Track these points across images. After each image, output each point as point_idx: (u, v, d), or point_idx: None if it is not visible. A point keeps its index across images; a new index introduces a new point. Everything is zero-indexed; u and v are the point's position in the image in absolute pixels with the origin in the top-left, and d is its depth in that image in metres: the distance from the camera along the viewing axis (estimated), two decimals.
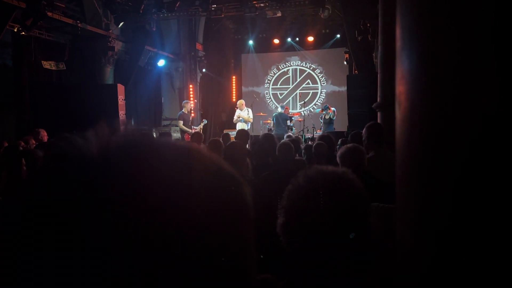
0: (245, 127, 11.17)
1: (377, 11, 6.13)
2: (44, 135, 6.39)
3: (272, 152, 4.49)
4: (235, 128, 11.23)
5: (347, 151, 3.23)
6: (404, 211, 0.68)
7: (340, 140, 6.20)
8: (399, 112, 0.66)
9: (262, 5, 10.36)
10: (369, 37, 8.99)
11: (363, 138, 3.91)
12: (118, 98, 9.22)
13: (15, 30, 7.70)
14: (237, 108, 11.55)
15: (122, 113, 9.51)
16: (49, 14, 8.05)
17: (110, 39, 10.19)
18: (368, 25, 8.78)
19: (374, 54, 9.18)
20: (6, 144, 5.68)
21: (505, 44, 0.52)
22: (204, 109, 15.37)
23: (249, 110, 11.55)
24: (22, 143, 5.93)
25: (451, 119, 0.56)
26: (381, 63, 5.80)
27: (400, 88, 0.64)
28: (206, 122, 11.93)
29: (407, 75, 0.61)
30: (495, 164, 0.53)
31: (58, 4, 8.38)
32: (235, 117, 11.45)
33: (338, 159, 3.31)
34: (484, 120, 0.54)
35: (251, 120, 11.52)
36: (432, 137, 0.60)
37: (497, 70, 0.53)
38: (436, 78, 0.57)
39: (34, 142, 6.54)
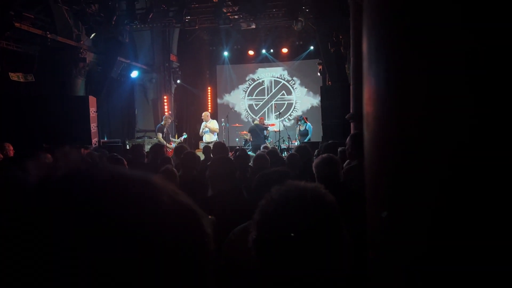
0: (213, 137, 11.18)
1: (349, 24, 6.25)
2: (9, 149, 6.14)
3: (248, 165, 4.47)
4: (202, 140, 11.26)
5: (321, 162, 3.26)
6: (373, 235, 0.67)
7: (316, 151, 6.25)
8: (367, 133, 0.65)
9: (236, 17, 10.42)
10: (341, 49, 9.15)
11: (347, 147, 3.95)
12: (90, 110, 9.02)
13: None
14: (202, 120, 11.55)
15: (93, 126, 9.31)
16: (17, 25, 7.83)
17: (81, 50, 9.99)
18: (341, 37, 8.94)
19: (346, 66, 9.34)
20: None
21: (478, 65, 0.51)
22: (179, 121, 15.24)
23: (214, 121, 11.57)
24: None
25: (419, 143, 0.55)
26: (353, 75, 5.91)
27: (368, 109, 0.63)
28: (186, 136, 11.84)
29: (374, 96, 0.60)
30: (465, 192, 0.52)
31: (26, 14, 8.18)
32: (201, 130, 11.44)
33: (313, 169, 3.34)
34: (452, 146, 0.53)
35: (217, 130, 11.52)
36: (399, 160, 0.59)
37: (468, 93, 0.52)
38: (404, 100, 0.56)
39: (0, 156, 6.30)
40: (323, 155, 3.37)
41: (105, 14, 8.65)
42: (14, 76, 8.34)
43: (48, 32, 9.13)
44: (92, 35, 9.40)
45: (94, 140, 9.31)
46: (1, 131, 8.39)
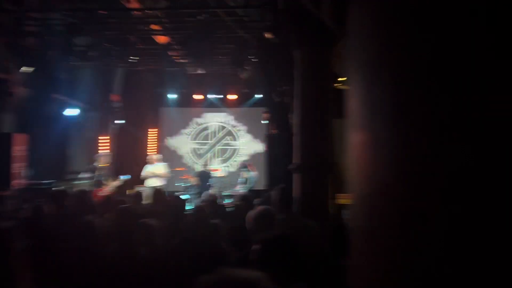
0: (157, 182, 10.71)
1: (293, 75, 6.33)
2: None
3: (182, 216, 4.15)
4: (143, 184, 10.73)
5: (257, 217, 3.07)
6: None
7: (256, 200, 6.05)
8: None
9: (182, 61, 10.33)
10: (285, 98, 9.31)
11: (273, 200, 3.84)
12: (15, 149, 8.26)
13: None
14: (147, 162, 11.14)
15: (18, 166, 8.50)
16: None
17: (11, 84, 9.27)
18: (285, 87, 9.11)
19: (289, 115, 9.46)
20: None
21: None
22: (119, 162, 14.47)
23: (162, 164, 11.14)
24: None
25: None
26: (296, 125, 5.90)
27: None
28: (127, 177, 11.12)
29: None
30: None
31: None
32: (144, 172, 10.98)
33: (247, 224, 3.15)
34: None
35: (169, 175, 11.08)
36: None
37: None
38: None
39: None
40: (258, 209, 3.19)
41: (41, 47, 8.16)
42: None
43: None
44: (25, 69, 8.79)
45: (17, 182, 8.45)
46: None
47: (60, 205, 4.50)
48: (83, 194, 5.19)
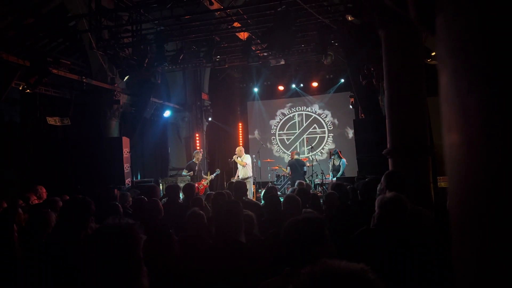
0: (245, 172, 11.16)
1: (380, 56, 6.05)
2: (42, 192, 6.20)
3: (279, 206, 4.23)
4: (238, 176, 11.24)
5: (388, 204, 2.86)
6: None
7: (349, 187, 5.92)
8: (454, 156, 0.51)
9: (265, 54, 10.46)
10: (373, 81, 8.92)
11: (381, 187, 3.63)
12: (123, 151, 9.13)
13: (20, 88, 7.77)
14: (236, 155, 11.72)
15: (127, 166, 9.39)
16: (54, 71, 8.15)
17: (115, 93, 10.28)
18: (372, 69, 8.73)
19: (380, 98, 9.06)
20: (5, 205, 5.48)
21: None
22: (211, 158, 15.26)
23: (245, 156, 11.53)
24: (21, 201, 5.74)
25: None
26: (388, 107, 5.64)
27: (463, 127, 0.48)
28: (218, 172, 11.80)
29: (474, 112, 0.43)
30: None
31: (64, 61, 8.52)
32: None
33: (377, 207, 2.93)
34: None
35: (244, 164, 11.40)
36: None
37: None
38: None
39: (36, 199, 6.37)
40: (389, 195, 2.95)
41: (138, 57, 8.90)
42: (51, 121, 8.61)
43: (83, 77, 9.46)
44: (126, 78, 9.67)
45: (127, 180, 9.36)
46: (38, 174, 8.59)
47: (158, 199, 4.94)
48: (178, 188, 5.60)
